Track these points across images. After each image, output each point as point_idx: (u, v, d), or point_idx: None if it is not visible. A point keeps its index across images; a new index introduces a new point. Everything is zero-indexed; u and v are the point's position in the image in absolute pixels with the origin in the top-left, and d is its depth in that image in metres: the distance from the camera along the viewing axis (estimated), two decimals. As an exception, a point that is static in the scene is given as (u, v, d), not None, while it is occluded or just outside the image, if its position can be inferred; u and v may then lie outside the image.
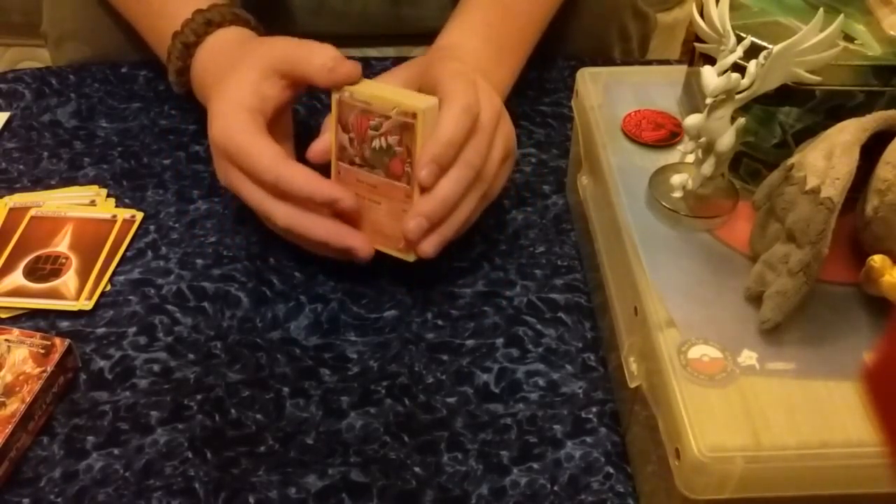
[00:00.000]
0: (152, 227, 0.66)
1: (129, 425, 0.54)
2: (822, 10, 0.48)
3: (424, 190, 0.57)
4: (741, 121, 0.51)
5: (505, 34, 0.70)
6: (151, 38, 0.72)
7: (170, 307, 0.61)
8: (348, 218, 0.59)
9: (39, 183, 0.69)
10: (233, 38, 0.66)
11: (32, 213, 0.66)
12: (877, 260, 0.47)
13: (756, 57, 0.49)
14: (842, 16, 0.49)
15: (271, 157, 0.57)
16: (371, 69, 0.80)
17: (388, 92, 0.57)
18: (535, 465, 0.52)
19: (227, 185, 0.60)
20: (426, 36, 0.85)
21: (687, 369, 0.46)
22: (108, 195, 0.68)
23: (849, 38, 0.53)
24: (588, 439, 0.54)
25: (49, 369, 0.54)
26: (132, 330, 0.59)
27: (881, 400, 0.29)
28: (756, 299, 0.49)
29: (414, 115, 0.55)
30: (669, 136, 0.60)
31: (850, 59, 0.51)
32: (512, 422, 0.55)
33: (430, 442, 0.54)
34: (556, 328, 0.60)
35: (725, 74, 0.49)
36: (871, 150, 0.48)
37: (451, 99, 0.57)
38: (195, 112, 0.69)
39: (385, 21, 0.84)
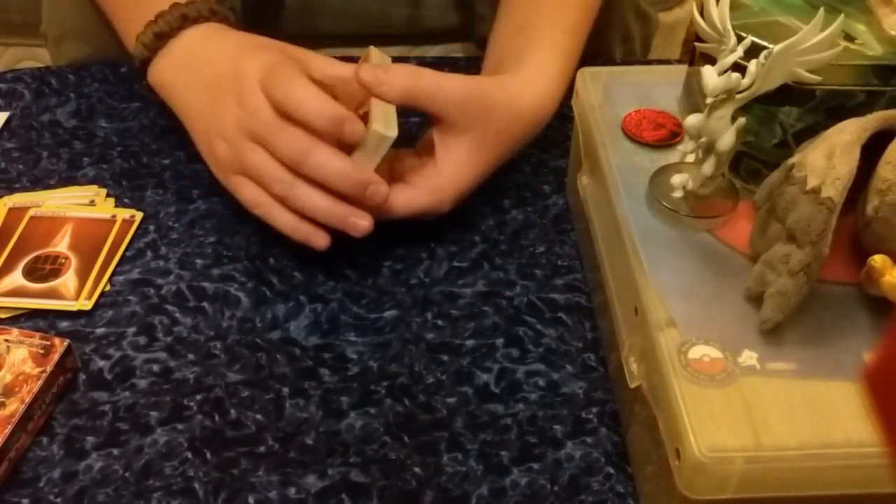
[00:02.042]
0: (152, 227, 0.66)
1: (128, 425, 0.54)
2: (822, 9, 0.48)
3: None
4: (741, 120, 0.51)
5: (570, 67, 0.69)
6: (124, 28, 0.70)
7: (169, 307, 0.61)
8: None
9: (39, 183, 0.69)
10: (210, 35, 0.65)
11: (32, 212, 0.66)
12: (877, 260, 0.47)
13: (756, 56, 0.49)
14: (842, 15, 0.49)
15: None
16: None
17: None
18: (536, 466, 0.52)
19: (246, 164, 0.59)
20: (427, 36, 0.85)
21: (687, 369, 0.46)
22: (108, 195, 0.68)
23: (849, 37, 0.53)
24: (588, 439, 0.54)
25: (48, 369, 0.54)
26: (132, 330, 0.59)
27: (881, 400, 0.29)
28: (756, 299, 0.49)
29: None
30: (670, 135, 0.60)
31: (851, 59, 0.51)
32: (512, 422, 0.54)
33: (430, 442, 0.53)
34: (556, 328, 0.60)
35: (726, 74, 0.49)
36: (871, 150, 0.47)
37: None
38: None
39: (385, 20, 0.84)
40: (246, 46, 0.62)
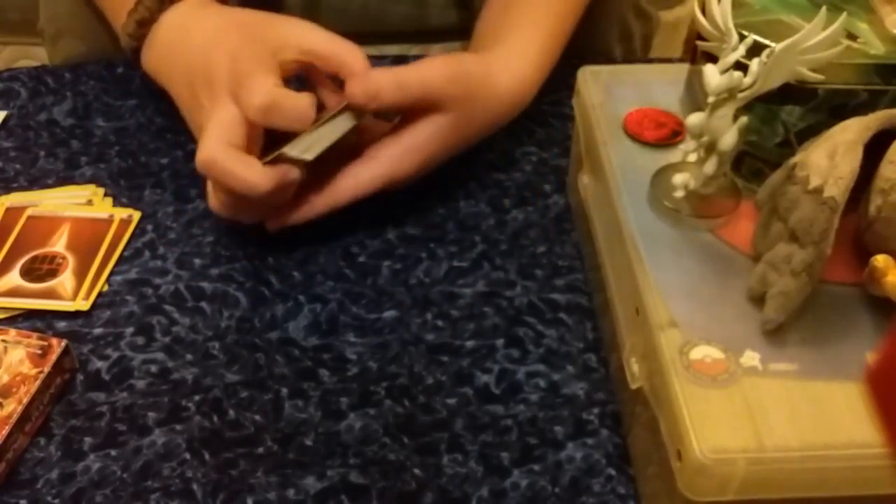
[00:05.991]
0: (150, 227, 0.66)
1: (126, 426, 0.54)
2: (824, 8, 0.48)
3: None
4: (743, 119, 0.51)
5: (552, 51, 0.69)
6: (113, 21, 0.70)
7: (167, 307, 0.60)
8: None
9: (36, 182, 0.69)
10: (188, 16, 0.65)
11: (29, 212, 0.66)
12: (880, 260, 0.47)
13: (758, 55, 0.49)
14: (844, 14, 0.49)
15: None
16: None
17: None
18: (536, 467, 0.52)
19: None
20: (427, 34, 0.85)
21: (689, 370, 0.46)
22: (106, 194, 0.68)
23: (852, 36, 0.52)
24: (589, 441, 0.53)
25: (46, 370, 0.53)
26: (129, 330, 0.59)
27: (884, 401, 0.29)
28: (759, 300, 0.49)
29: None
30: (671, 134, 0.59)
31: (853, 58, 0.51)
32: (512, 423, 0.54)
33: (430, 443, 0.53)
34: (556, 329, 0.59)
35: (728, 73, 0.49)
36: (874, 150, 0.47)
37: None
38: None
39: (385, 18, 0.84)
40: (220, 33, 0.62)
